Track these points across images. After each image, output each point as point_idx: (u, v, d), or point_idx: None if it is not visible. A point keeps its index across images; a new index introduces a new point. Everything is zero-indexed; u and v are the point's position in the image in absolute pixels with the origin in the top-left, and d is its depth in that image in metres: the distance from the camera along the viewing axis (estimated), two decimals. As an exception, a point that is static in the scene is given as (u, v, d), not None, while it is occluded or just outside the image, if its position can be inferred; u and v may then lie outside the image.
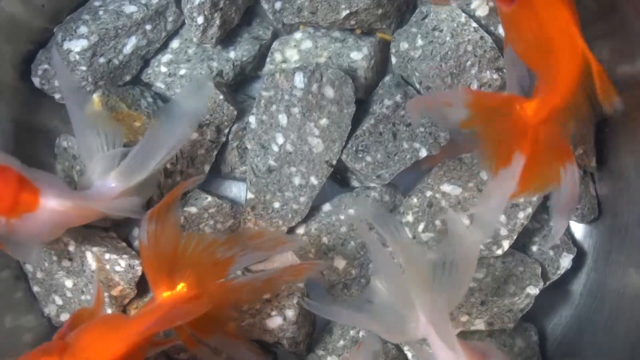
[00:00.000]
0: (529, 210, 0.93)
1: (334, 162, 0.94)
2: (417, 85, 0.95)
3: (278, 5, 0.99)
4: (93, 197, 0.84)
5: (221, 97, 0.95)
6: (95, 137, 0.86)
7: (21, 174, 0.80)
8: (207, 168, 0.98)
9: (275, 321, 0.92)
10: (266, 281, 0.85)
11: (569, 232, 0.99)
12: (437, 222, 0.93)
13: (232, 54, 0.99)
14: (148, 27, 0.98)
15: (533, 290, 0.92)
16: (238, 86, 1.03)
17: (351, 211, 0.96)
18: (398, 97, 0.95)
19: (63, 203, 0.81)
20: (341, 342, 0.95)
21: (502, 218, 0.92)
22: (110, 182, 0.85)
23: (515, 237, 0.93)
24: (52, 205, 0.81)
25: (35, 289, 0.95)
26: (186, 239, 0.81)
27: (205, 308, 0.79)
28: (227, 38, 0.99)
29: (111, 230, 0.96)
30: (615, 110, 0.75)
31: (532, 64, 0.80)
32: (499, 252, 0.93)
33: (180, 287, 0.79)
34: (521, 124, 0.77)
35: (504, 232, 0.92)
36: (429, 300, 0.79)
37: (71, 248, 0.92)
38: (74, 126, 0.86)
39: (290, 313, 0.92)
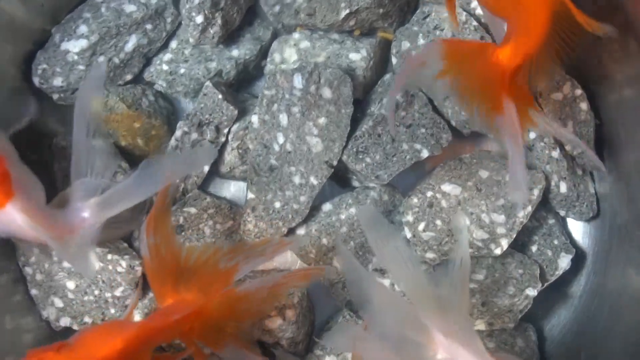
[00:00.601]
0: (529, 208, 0.93)
1: (334, 163, 0.94)
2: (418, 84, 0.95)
3: (277, 8, 0.99)
4: (59, 221, 0.83)
5: (220, 96, 0.95)
6: (89, 161, 0.86)
7: (7, 171, 0.80)
8: (206, 168, 0.98)
9: (275, 321, 0.92)
10: (273, 287, 0.85)
11: (567, 232, 0.99)
12: (438, 222, 0.93)
13: (235, 52, 0.99)
14: (149, 26, 0.98)
15: (532, 292, 0.92)
16: (240, 85, 1.03)
17: (352, 210, 0.96)
18: (398, 96, 0.94)
19: (26, 219, 0.80)
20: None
21: (502, 218, 0.92)
22: (83, 211, 0.85)
23: (514, 235, 0.93)
24: (15, 215, 0.80)
25: (33, 292, 0.94)
26: (187, 250, 0.81)
27: (208, 313, 0.79)
28: (229, 38, 0.99)
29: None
30: (609, 33, 0.75)
31: (501, 14, 0.80)
32: (498, 251, 0.93)
33: (184, 295, 0.80)
34: (498, 70, 0.77)
35: (502, 230, 0.92)
36: (442, 318, 0.77)
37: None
38: (73, 145, 0.86)
39: (290, 313, 0.92)
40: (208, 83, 0.96)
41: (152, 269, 0.80)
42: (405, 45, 0.96)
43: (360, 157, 0.93)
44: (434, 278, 0.83)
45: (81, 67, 0.96)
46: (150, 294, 0.94)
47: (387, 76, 0.98)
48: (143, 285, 0.94)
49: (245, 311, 0.84)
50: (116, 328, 0.77)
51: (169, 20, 0.99)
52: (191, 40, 0.97)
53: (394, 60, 0.98)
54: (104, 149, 0.88)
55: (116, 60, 0.98)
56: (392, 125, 0.89)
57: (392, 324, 0.80)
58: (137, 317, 0.94)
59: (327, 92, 0.93)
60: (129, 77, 1.00)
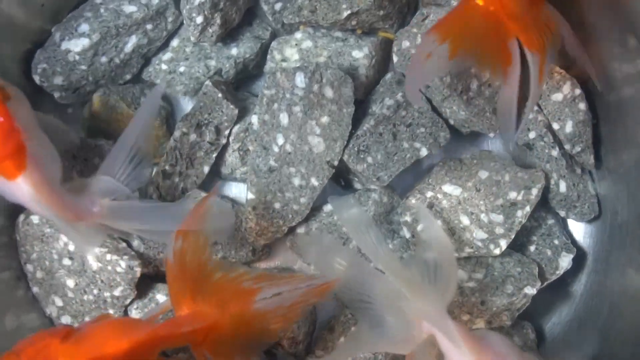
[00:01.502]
0: (527, 208, 0.93)
1: (336, 163, 0.94)
2: (418, 83, 0.96)
3: (278, 6, 0.99)
4: (68, 203, 0.84)
5: (219, 95, 0.95)
6: (124, 166, 0.87)
7: (22, 144, 0.79)
8: (206, 169, 0.98)
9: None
10: (292, 306, 0.84)
11: (568, 232, 0.99)
12: (439, 222, 0.93)
13: (234, 51, 0.99)
14: (149, 26, 0.98)
15: (530, 291, 0.92)
16: (240, 84, 1.03)
17: (354, 210, 0.96)
18: (399, 96, 0.95)
19: (35, 194, 0.81)
20: (342, 339, 0.95)
21: (500, 218, 0.93)
22: (94, 206, 0.85)
23: (513, 236, 0.93)
24: (25, 189, 0.80)
25: (35, 289, 0.95)
26: (215, 264, 0.80)
27: (219, 320, 0.79)
28: (228, 37, 1.00)
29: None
30: None
31: None
32: (497, 251, 0.93)
33: (201, 307, 0.79)
34: (488, 15, 0.79)
35: (501, 230, 0.92)
36: (420, 303, 0.81)
37: (71, 248, 0.92)
38: (117, 143, 0.88)
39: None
40: (208, 82, 0.96)
41: (173, 274, 0.80)
42: (406, 44, 0.97)
43: (362, 156, 0.93)
44: (414, 262, 0.85)
45: (83, 67, 0.96)
46: (150, 294, 0.94)
47: (389, 75, 0.99)
48: (142, 285, 0.94)
49: (260, 330, 0.83)
50: (126, 328, 0.77)
51: (170, 20, 0.99)
52: (192, 39, 0.97)
53: (395, 58, 0.98)
54: (143, 164, 0.89)
55: (117, 60, 0.98)
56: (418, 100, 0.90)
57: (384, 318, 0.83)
58: (136, 314, 0.94)
59: (329, 92, 0.93)
60: (128, 76, 1.01)
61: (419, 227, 0.93)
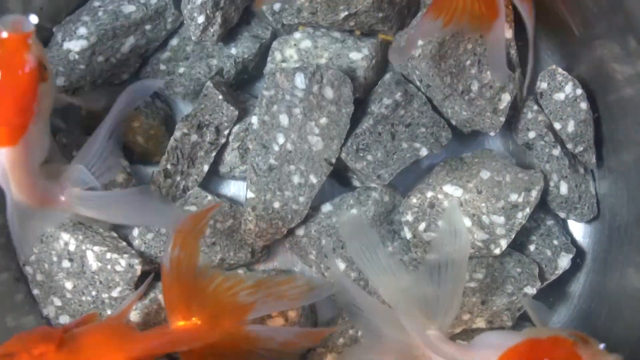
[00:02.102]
0: (527, 210, 0.93)
1: (333, 160, 0.94)
2: (418, 83, 0.96)
3: (277, 6, 0.99)
4: (36, 187, 0.83)
5: (220, 97, 0.95)
6: (98, 155, 0.86)
7: (28, 125, 0.78)
8: (205, 168, 0.98)
9: (276, 322, 0.92)
10: (283, 344, 0.84)
11: (567, 232, 1.00)
12: (440, 223, 0.93)
13: (233, 51, 0.99)
14: (148, 27, 0.98)
15: (530, 290, 0.93)
16: (240, 85, 1.03)
17: (354, 210, 0.96)
18: (398, 96, 0.95)
19: (11, 171, 0.80)
20: (340, 340, 0.95)
21: (501, 219, 0.93)
22: (62, 194, 0.85)
23: (513, 236, 0.93)
24: (5, 161, 0.79)
25: (35, 291, 0.94)
26: (212, 273, 0.80)
27: (212, 340, 0.79)
28: (228, 36, 0.99)
29: (112, 229, 0.96)
30: None
31: None
32: (497, 251, 0.93)
33: (195, 319, 0.79)
34: None
35: (501, 231, 0.93)
36: (420, 326, 0.81)
37: (72, 247, 0.92)
38: (93, 135, 0.87)
39: (293, 314, 0.92)
40: (209, 83, 0.96)
41: (168, 283, 0.80)
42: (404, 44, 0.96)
43: (361, 155, 0.93)
44: (419, 278, 0.85)
45: (82, 67, 0.96)
46: (151, 294, 0.94)
47: (387, 76, 0.98)
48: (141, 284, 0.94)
49: (248, 352, 0.83)
50: (122, 340, 0.77)
51: (169, 20, 0.99)
52: (193, 37, 0.97)
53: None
54: (115, 154, 0.89)
55: (113, 60, 0.98)
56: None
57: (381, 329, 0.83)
58: (135, 317, 0.94)
59: (329, 92, 0.93)
60: (125, 76, 1.00)
61: (440, 223, 0.92)
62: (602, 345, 0.73)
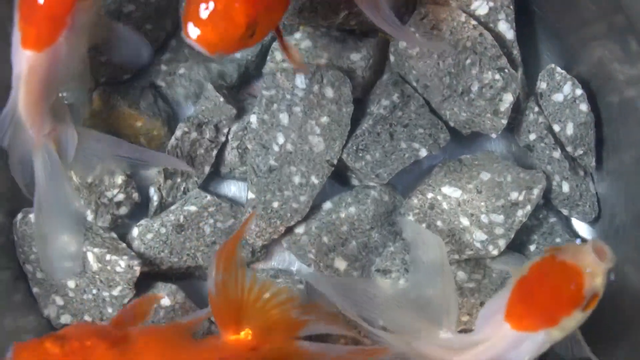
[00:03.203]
0: (528, 208, 0.93)
1: (335, 162, 0.94)
2: (414, 84, 0.96)
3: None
4: (48, 112, 0.82)
5: (222, 99, 0.96)
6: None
7: (60, 33, 0.77)
8: (207, 169, 0.98)
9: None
10: (337, 358, 0.83)
11: (572, 230, 1.00)
12: (439, 223, 0.93)
13: (237, 54, 0.99)
14: (148, 26, 0.98)
15: (531, 291, 0.93)
16: (240, 85, 1.03)
17: (352, 209, 0.96)
18: (395, 97, 0.95)
19: (29, 76, 0.78)
20: (341, 341, 0.94)
21: (501, 218, 0.93)
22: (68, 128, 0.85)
23: (512, 235, 0.93)
24: (27, 66, 0.78)
25: (35, 290, 0.94)
26: (262, 286, 0.78)
27: (263, 354, 0.79)
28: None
29: (112, 230, 0.96)
30: None
31: None
32: (495, 252, 0.93)
33: (246, 333, 0.78)
34: None
35: (500, 231, 0.92)
36: (431, 333, 0.80)
37: (72, 248, 0.91)
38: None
39: (293, 313, 0.92)
40: (209, 86, 0.96)
41: (217, 304, 0.78)
42: (403, 44, 0.96)
43: (360, 155, 0.93)
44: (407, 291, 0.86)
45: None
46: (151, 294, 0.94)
47: (385, 76, 0.98)
48: (143, 285, 0.94)
49: None
50: (175, 347, 0.78)
51: (168, 20, 0.99)
52: (189, 40, 0.97)
53: (392, 58, 0.98)
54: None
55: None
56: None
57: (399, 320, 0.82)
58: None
59: (329, 92, 0.93)
60: (127, 76, 1.00)
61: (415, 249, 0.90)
62: (577, 241, 0.74)
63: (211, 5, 0.70)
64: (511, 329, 0.76)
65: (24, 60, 0.78)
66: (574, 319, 0.76)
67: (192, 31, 0.71)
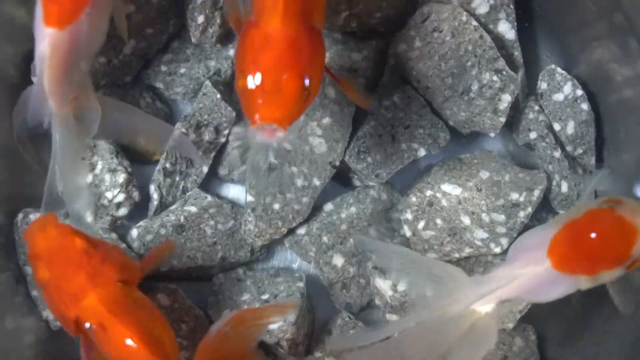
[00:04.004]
0: (529, 209, 0.93)
1: (337, 164, 0.94)
2: (416, 85, 0.96)
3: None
4: (71, 86, 0.83)
5: (218, 96, 0.95)
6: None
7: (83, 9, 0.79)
8: (205, 169, 0.98)
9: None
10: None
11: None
12: (438, 221, 0.93)
13: (231, 52, 0.99)
14: (149, 30, 0.98)
15: (531, 291, 0.93)
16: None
17: (353, 209, 0.96)
18: (396, 98, 0.95)
19: (53, 52, 0.80)
20: (341, 342, 0.95)
21: (502, 217, 0.93)
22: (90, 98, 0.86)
23: (515, 235, 0.93)
24: (51, 41, 0.79)
25: (34, 293, 0.94)
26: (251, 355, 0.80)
27: None
28: (227, 38, 0.99)
29: (112, 231, 0.96)
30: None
31: None
32: (498, 250, 0.93)
33: None
34: None
35: (502, 230, 0.93)
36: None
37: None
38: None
39: (291, 314, 0.91)
40: (207, 82, 0.96)
41: (205, 347, 0.79)
42: (402, 47, 0.96)
43: (362, 157, 0.94)
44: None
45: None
46: (150, 295, 0.93)
47: (386, 78, 0.98)
48: (143, 287, 0.93)
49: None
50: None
51: (171, 22, 0.99)
52: (193, 39, 0.97)
53: (391, 60, 0.98)
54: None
55: (116, 62, 0.98)
56: None
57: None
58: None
59: (331, 92, 0.93)
60: (127, 78, 1.00)
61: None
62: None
63: (261, 84, 0.71)
64: (551, 266, 0.76)
65: (47, 37, 0.79)
66: (612, 275, 0.77)
67: (258, 117, 0.71)
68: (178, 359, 0.79)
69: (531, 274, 0.78)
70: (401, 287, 0.92)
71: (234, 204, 0.99)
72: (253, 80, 0.71)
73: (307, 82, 0.72)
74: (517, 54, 0.96)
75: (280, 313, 0.85)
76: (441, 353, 0.80)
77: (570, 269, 0.76)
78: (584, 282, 0.77)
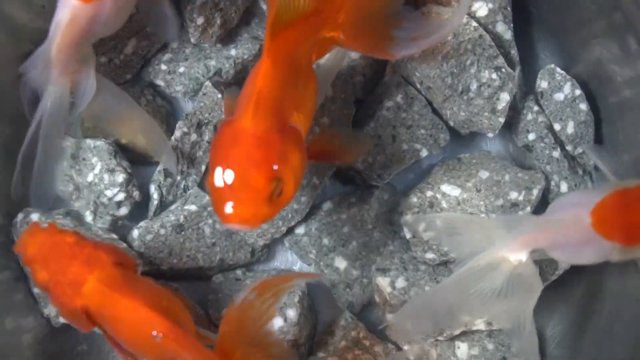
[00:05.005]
0: (528, 209, 0.93)
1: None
2: (418, 85, 0.96)
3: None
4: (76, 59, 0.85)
5: (219, 96, 0.95)
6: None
7: None
8: (203, 168, 0.98)
9: (276, 322, 0.91)
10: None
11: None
12: (438, 222, 0.93)
13: (233, 52, 0.99)
14: (149, 29, 0.98)
15: (531, 291, 0.92)
16: (240, 85, 1.02)
17: (354, 209, 0.96)
18: (399, 98, 0.95)
19: (70, 22, 0.82)
20: (343, 343, 0.95)
21: (502, 218, 0.93)
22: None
23: (515, 235, 0.93)
24: (85, 16, 0.81)
25: (35, 290, 0.94)
26: (276, 343, 0.78)
27: None
28: (227, 37, 1.00)
29: (112, 232, 0.96)
30: None
31: None
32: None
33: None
34: None
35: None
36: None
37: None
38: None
39: (292, 313, 0.91)
40: (208, 83, 0.96)
41: (229, 317, 0.77)
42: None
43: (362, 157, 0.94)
44: None
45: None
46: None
47: (387, 77, 0.99)
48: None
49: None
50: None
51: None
52: (192, 39, 0.97)
53: (393, 60, 0.98)
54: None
55: (117, 61, 0.98)
56: None
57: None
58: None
59: (330, 92, 0.93)
60: (128, 76, 1.01)
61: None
62: None
63: (230, 180, 0.70)
64: (591, 226, 0.76)
65: (70, 6, 0.81)
66: None
67: (225, 217, 0.70)
68: (194, 328, 0.79)
69: (567, 226, 0.78)
70: (400, 285, 0.92)
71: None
72: (221, 177, 0.70)
73: (276, 182, 0.70)
74: (514, 52, 0.96)
75: (304, 278, 0.87)
76: (485, 303, 0.80)
77: (609, 233, 0.76)
78: (617, 252, 0.77)
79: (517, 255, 0.79)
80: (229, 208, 0.69)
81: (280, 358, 0.78)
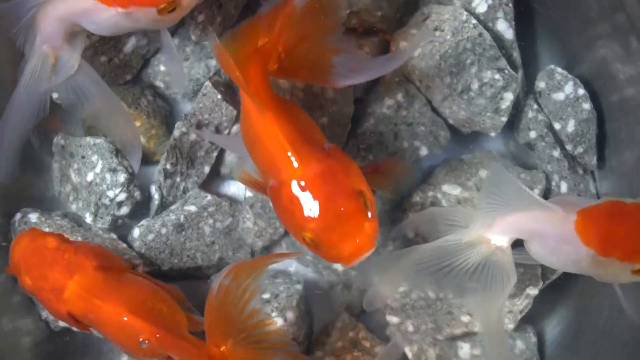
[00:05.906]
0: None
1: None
2: (418, 84, 0.95)
3: (277, 4, 0.99)
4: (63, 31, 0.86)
5: (219, 96, 0.95)
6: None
7: None
8: (207, 169, 0.98)
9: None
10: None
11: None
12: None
13: None
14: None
15: (532, 291, 0.92)
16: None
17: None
18: (400, 96, 0.95)
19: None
20: (339, 344, 0.95)
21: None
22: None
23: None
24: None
25: (32, 293, 0.94)
26: (261, 319, 0.78)
27: None
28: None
29: (112, 231, 0.96)
30: None
31: None
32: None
33: (225, 349, 0.77)
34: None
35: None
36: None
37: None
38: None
39: (291, 314, 0.91)
40: (208, 83, 0.95)
41: (212, 306, 0.77)
42: (403, 44, 0.96)
43: (363, 154, 0.94)
44: None
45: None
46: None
47: (388, 75, 0.98)
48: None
49: None
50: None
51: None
52: (193, 37, 0.96)
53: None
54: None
55: (116, 61, 0.98)
56: None
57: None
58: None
59: (330, 92, 0.93)
60: (128, 77, 1.00)
61: None
62: None
63: (329, 224, 0.72)
64: (573, 223, 0.76)
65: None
66: (619, 269, 0.77)
67: (347, 260, 0.73)
68: (186, 327, 0.79)
69: (552, 218, 0.77)
70: (401, 288, 0.92)
71: (233, 201, 0.99)
72: (325, 227, 0.72)
73: (360, 194, 0.73)
74: (516, 54, 0.95)
75: (280, 258, 0.87)
76: (455, 278, 0.80)
77: (588, 237, 0.76)
78: (591, 262, 0.77)
79: (497, 239, 0.80)
80: (349, 245, 0.72)
81: (273, 335, 0.78)
